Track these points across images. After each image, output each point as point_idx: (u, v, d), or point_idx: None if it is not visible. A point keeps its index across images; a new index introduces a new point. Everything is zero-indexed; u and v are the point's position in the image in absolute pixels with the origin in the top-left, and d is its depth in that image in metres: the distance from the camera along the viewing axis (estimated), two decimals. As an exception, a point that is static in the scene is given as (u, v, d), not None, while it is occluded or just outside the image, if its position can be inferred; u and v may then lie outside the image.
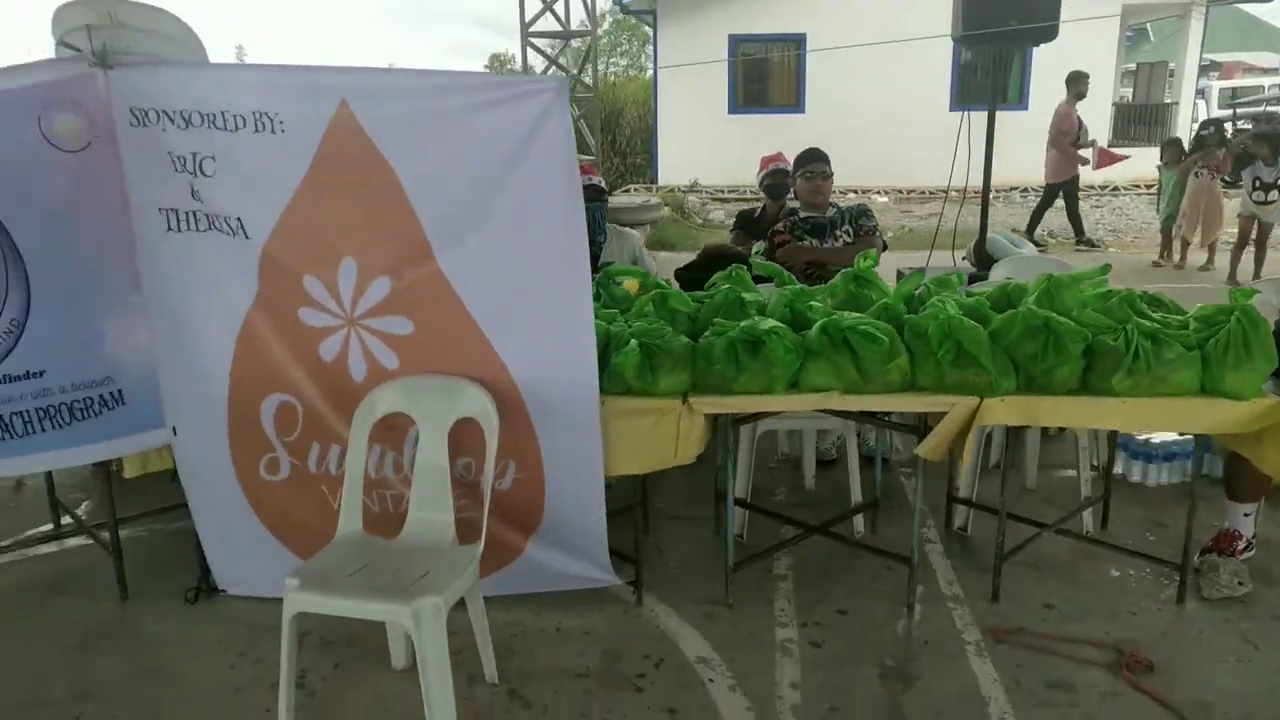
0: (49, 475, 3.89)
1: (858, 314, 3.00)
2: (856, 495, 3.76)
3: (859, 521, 3.73)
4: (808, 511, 3.80)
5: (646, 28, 52.52)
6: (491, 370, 2.74)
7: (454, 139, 2.60)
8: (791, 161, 5.42)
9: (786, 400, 2.95)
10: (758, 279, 3.62)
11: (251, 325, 2.86)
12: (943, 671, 2.82)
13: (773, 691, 2.74)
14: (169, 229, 2.81)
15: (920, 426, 3.07)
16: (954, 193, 5.33)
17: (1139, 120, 19.01)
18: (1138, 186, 15.58)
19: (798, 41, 18.87)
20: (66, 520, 3.81)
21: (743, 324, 2.93)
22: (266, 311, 2.83)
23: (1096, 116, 16.58)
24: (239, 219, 2.73)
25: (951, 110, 17.04)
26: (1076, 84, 10.11)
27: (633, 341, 2.88)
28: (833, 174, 4.64)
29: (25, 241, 2.79)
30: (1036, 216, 10.69)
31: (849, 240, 4.51)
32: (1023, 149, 11.32)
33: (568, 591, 3.14)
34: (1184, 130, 16.28)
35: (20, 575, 3.48)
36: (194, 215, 2.79)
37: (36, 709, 2.70)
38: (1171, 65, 19.15)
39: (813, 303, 3.11)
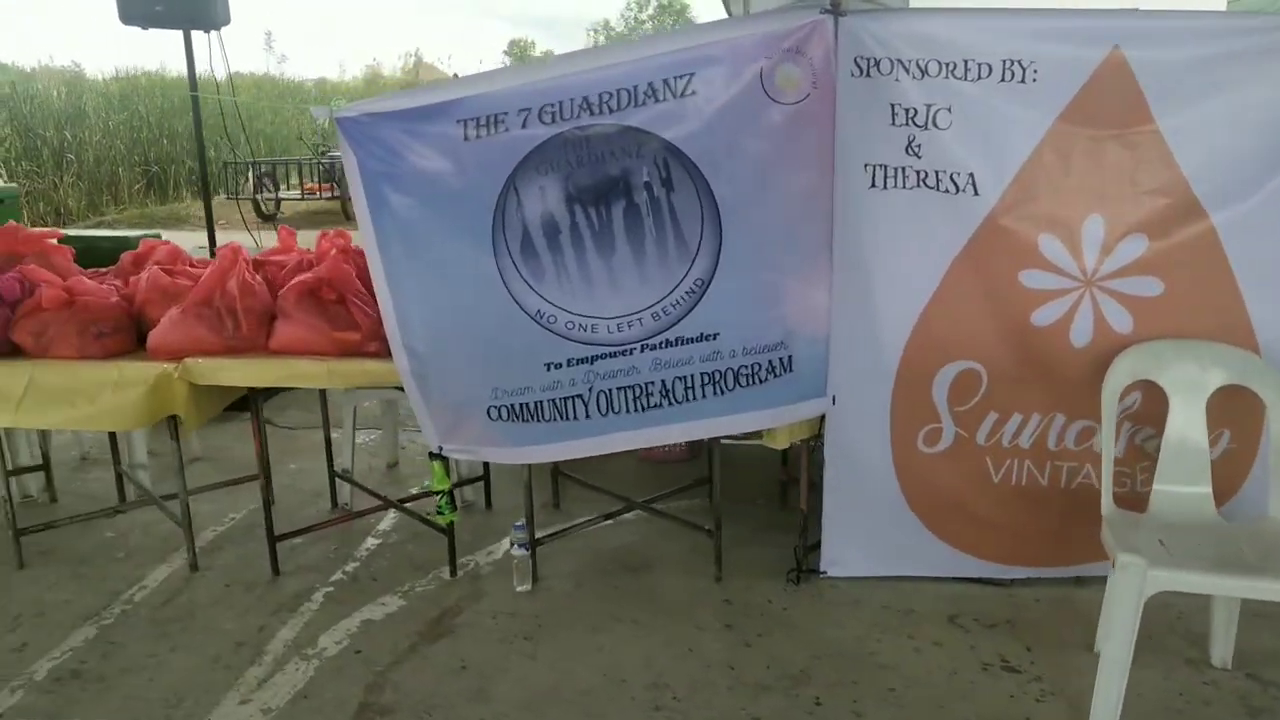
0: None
1: None
2: None
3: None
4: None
5: (691, 13, 51.53)
6: (1238, 334, 2.59)
7: (1232, 85, 2.44)
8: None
9: None
10: None
11: (947, 288, 2.70)
12: None
13: None
14: (871, 186, 2.66)
15: None
16: None
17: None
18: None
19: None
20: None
21: None
22: (973, 273, 2.67)
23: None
24: (970, 175, 2.58)
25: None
26: None
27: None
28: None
29: (725, 198, 2.64)
30: None
31: None
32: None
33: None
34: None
35: (586, 555, 3.33)
36: (901, 171, 2.64)
37: (763, 692, 2.55)
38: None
39: None
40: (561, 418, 2.85)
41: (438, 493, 3.04)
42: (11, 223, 3.30)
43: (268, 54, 40.52)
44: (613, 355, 2.78)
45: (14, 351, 3.04)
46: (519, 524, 3.11)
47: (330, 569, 3.27)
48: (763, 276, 2.73)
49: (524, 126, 2.58)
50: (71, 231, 4.17)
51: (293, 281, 2.99)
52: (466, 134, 2.59)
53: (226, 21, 4.79)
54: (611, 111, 2.57)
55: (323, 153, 14.64)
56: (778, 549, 3.31)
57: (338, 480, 3.80)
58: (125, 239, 3.91)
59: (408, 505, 3.52)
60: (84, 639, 2.84)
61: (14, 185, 8.95)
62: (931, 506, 2.96)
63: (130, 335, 3.08)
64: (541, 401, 2.84)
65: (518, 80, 2.60)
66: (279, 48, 38.72)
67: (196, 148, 5.14)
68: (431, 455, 3.01)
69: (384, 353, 2.96)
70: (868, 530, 3.02)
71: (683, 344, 2.76)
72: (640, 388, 2.81)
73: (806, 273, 2.74)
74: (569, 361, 2.79)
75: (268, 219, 13.45)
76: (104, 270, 3.52)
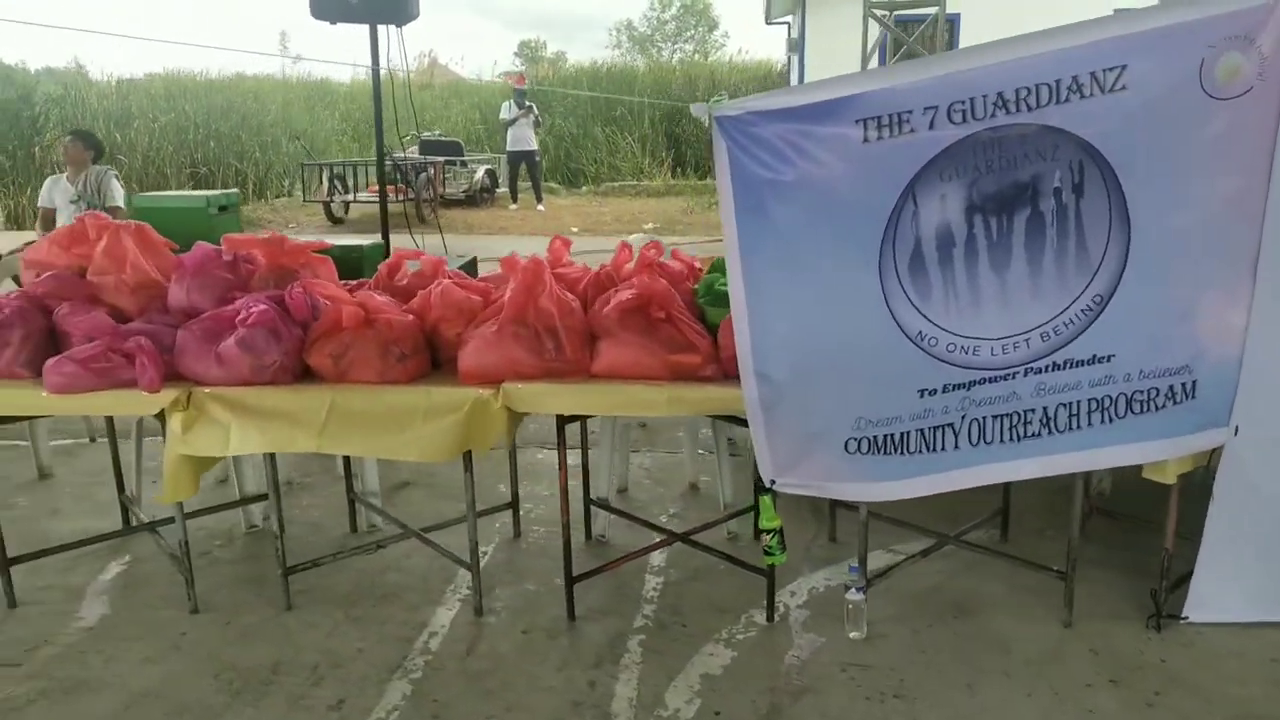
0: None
1: None
2: None
3: None
4: None
5: (714, 14, 51.27)
6: None
7: None
8: None
9: None
10: None
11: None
12: None
13: None
14: (1311, 189, 2.36)
15: None
16: None
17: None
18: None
19: (949, 22, 18.32)
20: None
21: None
22: None
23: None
24: None
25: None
26: None
27: None
28: None
29: (1138, 203, 2.36)
30: None
31: None
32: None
33: None
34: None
35: (903, 596, 3.03)
36: (1346, 172, 2.34)
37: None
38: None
39: None
40: (928, 449, 2.56)
41: (767, 531, 2.74)
42: (275, 233, 3.02)
43: (283, 55, 40.27)
44: (992, 380, 2.49)
45: (305, 374, 2.75)
46: (854, 565, 2.82)
47: (626, 612, 2.98)
48: (1173, 291, 2.44)
49: (931, 127, 2.29)
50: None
51: (616, 299, 2.70)
52: (866, 135, 2.31)
53: (415, 16, 4.51)
54: (1030, 109, 2.28)
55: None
56: (1112, 588, 3.03)
57: (593, 509, 3.51)
58: (358, 248, 3.62)
59: (694, 539, 3.22)
60: (401, 696, 2.56)
61: (235, 190, 8.48)
62: (1328, 547, 2.66)
63: (427, 356, 2.80)
64: (909, 432, 2.55)
65: (923, 74, 2.31)
66: (293, 47, 37.75)
67: (376, 146, 4.88)
68: (760, 489, 2.72)
69: (718, 376, 2.68)
70: (1250, 572, 2.73)
71: (1072, 367, 2.48)
72: (1018, 415, 2.52)
73: (1224, 286, 2.45)
74: (944, 387, 2.50)
75: (338, 222, 13.18)
76: (350, 283, 3.24)
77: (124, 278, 2.89)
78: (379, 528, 3.57)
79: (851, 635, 2.80)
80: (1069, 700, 2.50)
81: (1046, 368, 2.49)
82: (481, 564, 3.30)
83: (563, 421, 2.80)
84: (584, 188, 17.40)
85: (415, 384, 2.71)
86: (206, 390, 2.67)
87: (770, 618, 2.91)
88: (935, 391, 2.51)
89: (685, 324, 2.69)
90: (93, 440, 4.55)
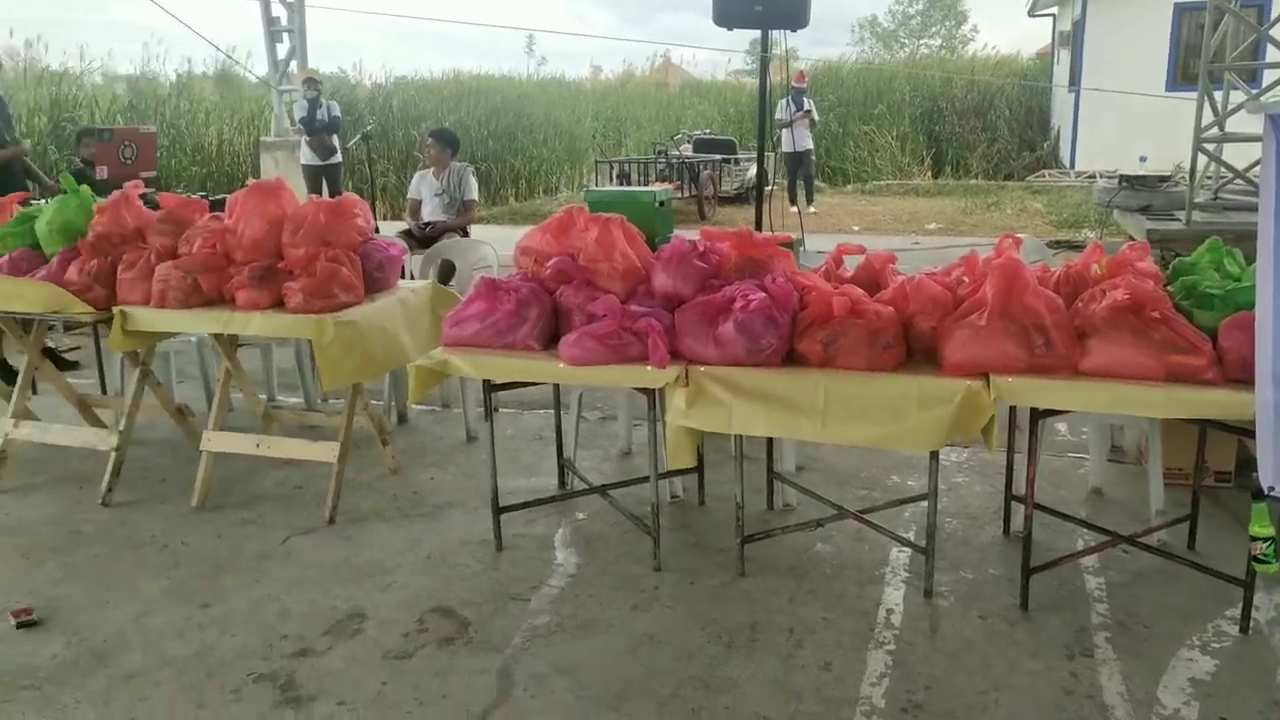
0: None
1: None
2: None
3: None
4: None
5: (963, 6, 49.22)
6: None
7: None
8: None
9: None
10: None
11: None
12: None
13: None
14: None
15: None
16: None
17: None
18: None
19: (1258, 8, 16.64)
20: None
21: None
22: None
23: None
24: None
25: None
26: None
27: None
28: None
29: None
30: None
31: None
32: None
33: None
34: None
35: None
36: None
37: None
38: None
39: None
40: None
41: (1260, 539, 2.67)
42: (744, 226, 3.25)
43: (529, 56, 42.59)
44: None
45: (787, 360, 2.96)
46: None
47: (1079, 608, 3.00)
48: None
49: None
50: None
51: (1109, 298, 2.73)
52: None
53: (807, 22, 4.70)
54: None
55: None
56: None
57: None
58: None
59: (1142, 540, 3.19)
60: (884, 665, 2.72)
61: (669, 188, 9.19)
62: None
63: (904, 347, 2.93)
64: None
65: None
66: (538, 49, 39.69)
67: (757, 141, 5.14)
68: (1255, 496, 2.65)
69: (1219, 381, 2.64)
70: None
71: None
72: None
73: None
74: None
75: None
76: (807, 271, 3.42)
77: (615, 265, 3.21)
78: (792, 506, 3.77)
79: (1348, 657, 2.69)
80: None
81: None
82: (912, 550, 3.43)
83: (1037, 416, 2.86)
84: (849, 186, 17.25)
85: (898, 373, 2.85)
86: (702, 369, 2.93)
87: (1245, 629, 2.84)
88: None
89: (1183, 325, 2.67)
90: (496, 410, 5.07)
